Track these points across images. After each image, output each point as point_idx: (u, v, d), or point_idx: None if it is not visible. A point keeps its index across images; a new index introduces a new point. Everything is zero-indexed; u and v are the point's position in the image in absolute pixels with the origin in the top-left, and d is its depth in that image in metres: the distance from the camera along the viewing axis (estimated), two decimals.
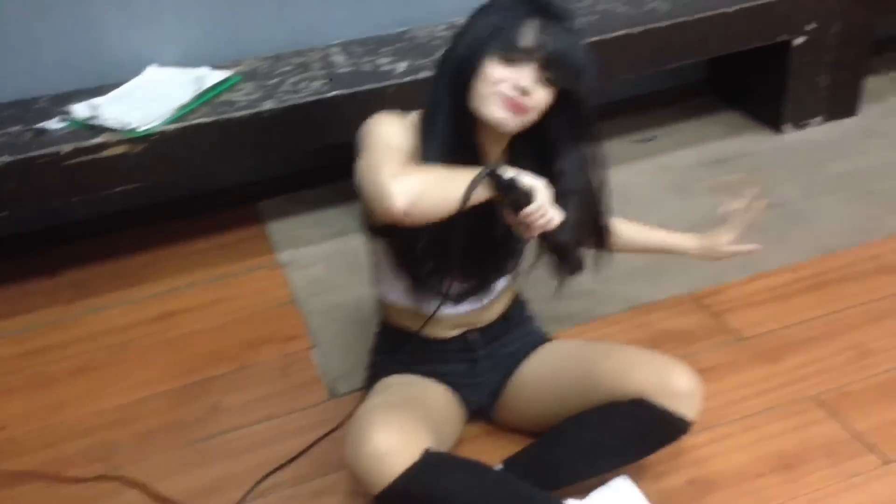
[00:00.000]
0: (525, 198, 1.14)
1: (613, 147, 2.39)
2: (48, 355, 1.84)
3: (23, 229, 2.20)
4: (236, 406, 1.67)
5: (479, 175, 1.13)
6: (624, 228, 1.55)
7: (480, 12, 1.24)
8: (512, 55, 1.18)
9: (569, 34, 1.21)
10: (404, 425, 1.22)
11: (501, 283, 1.44)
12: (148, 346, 1.85)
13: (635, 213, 1.61)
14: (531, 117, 1.22)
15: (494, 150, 1.31)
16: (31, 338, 1.90)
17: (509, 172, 1.15)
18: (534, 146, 1.29)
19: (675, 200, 2.21)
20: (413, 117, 1.30)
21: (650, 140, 2.45)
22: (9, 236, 2.20)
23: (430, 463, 1.19)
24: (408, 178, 1.13)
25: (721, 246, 1.58)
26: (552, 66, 1.19)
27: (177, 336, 1.87)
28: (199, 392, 1.70)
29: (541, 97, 1.21)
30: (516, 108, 1.19)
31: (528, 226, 1.15)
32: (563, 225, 1.16)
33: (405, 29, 2.26)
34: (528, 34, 1.18)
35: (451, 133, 1.24)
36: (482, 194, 1.14)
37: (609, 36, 2.13)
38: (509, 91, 1.18)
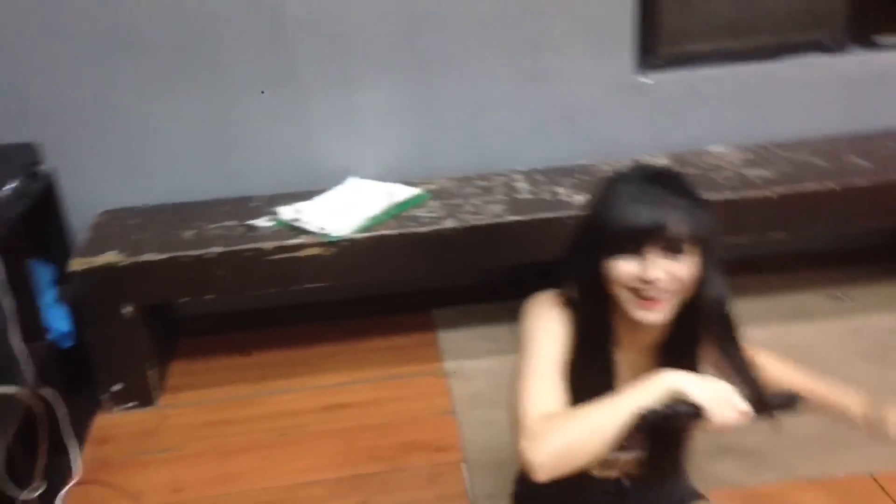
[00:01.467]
0: (692, 416, 1.08)
1: (805, 300, 2.29)
2: (229, 428, 2.02)
3: (224, 310, 2.46)
4: None
5: (633, 423, 1.10)
6: (770, 365, 1.36)
7: (600, 206, 1.23)
8: (630, 251, 1.18)
9: (682, 209, 1.17)
10: None
11: None
12: (314, 433, 1.97)
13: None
14: (670, 305, 1.20)
15: (642, 339, 1.29)
16: (217, 410, 2.09)
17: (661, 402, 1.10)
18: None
19: (868, 368, 2.05)
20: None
21: (844, 300, 2.31)
22: (212, 314, 2.46)
23: None
24: (550, 439, 1.13)
25: (888, 424, 1.29)
26: (673, 244, 1.17)
27: (340, 428, 1.98)
28: (352, 487, 1.79)
29: (676, 271, 1.18)
30: (650, 303, 1.19)
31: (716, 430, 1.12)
32: (755, 409, 1.13)
33: (588, 162, 2.33)
34: (640, 227, 1.16)
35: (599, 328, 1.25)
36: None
37: (802, 189, 2.09)
38: (637, 285, 1.18)
